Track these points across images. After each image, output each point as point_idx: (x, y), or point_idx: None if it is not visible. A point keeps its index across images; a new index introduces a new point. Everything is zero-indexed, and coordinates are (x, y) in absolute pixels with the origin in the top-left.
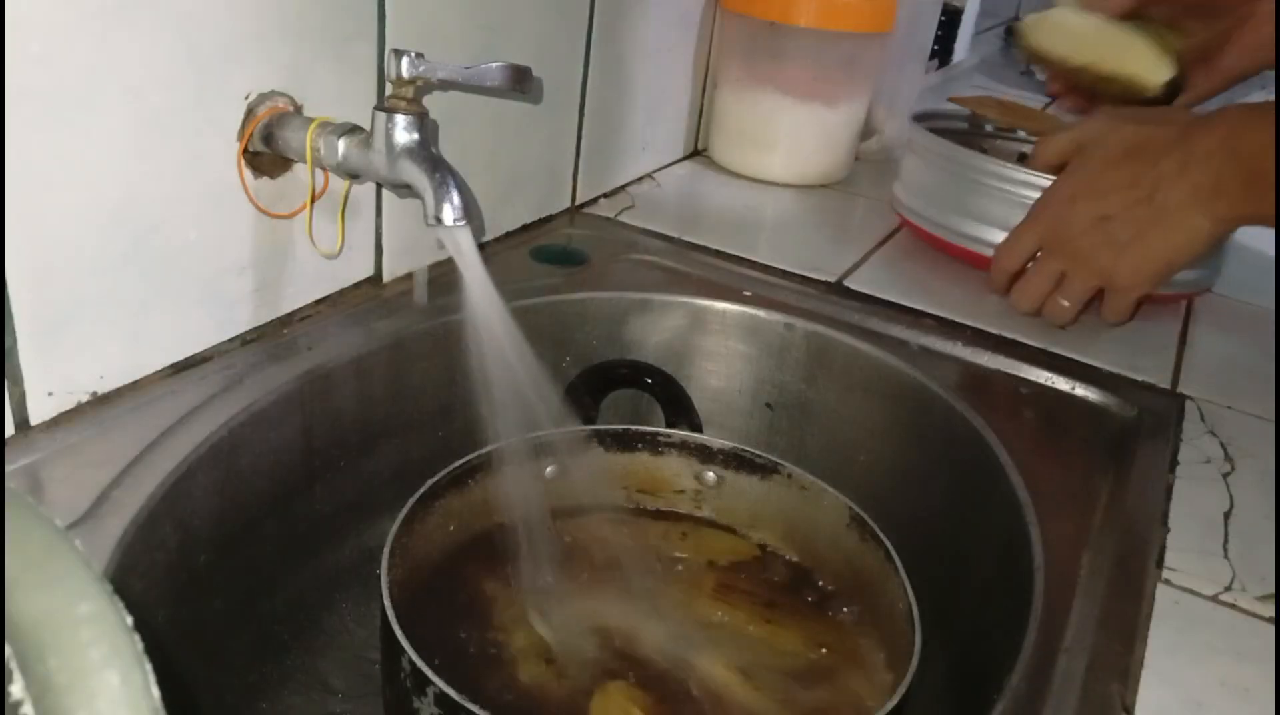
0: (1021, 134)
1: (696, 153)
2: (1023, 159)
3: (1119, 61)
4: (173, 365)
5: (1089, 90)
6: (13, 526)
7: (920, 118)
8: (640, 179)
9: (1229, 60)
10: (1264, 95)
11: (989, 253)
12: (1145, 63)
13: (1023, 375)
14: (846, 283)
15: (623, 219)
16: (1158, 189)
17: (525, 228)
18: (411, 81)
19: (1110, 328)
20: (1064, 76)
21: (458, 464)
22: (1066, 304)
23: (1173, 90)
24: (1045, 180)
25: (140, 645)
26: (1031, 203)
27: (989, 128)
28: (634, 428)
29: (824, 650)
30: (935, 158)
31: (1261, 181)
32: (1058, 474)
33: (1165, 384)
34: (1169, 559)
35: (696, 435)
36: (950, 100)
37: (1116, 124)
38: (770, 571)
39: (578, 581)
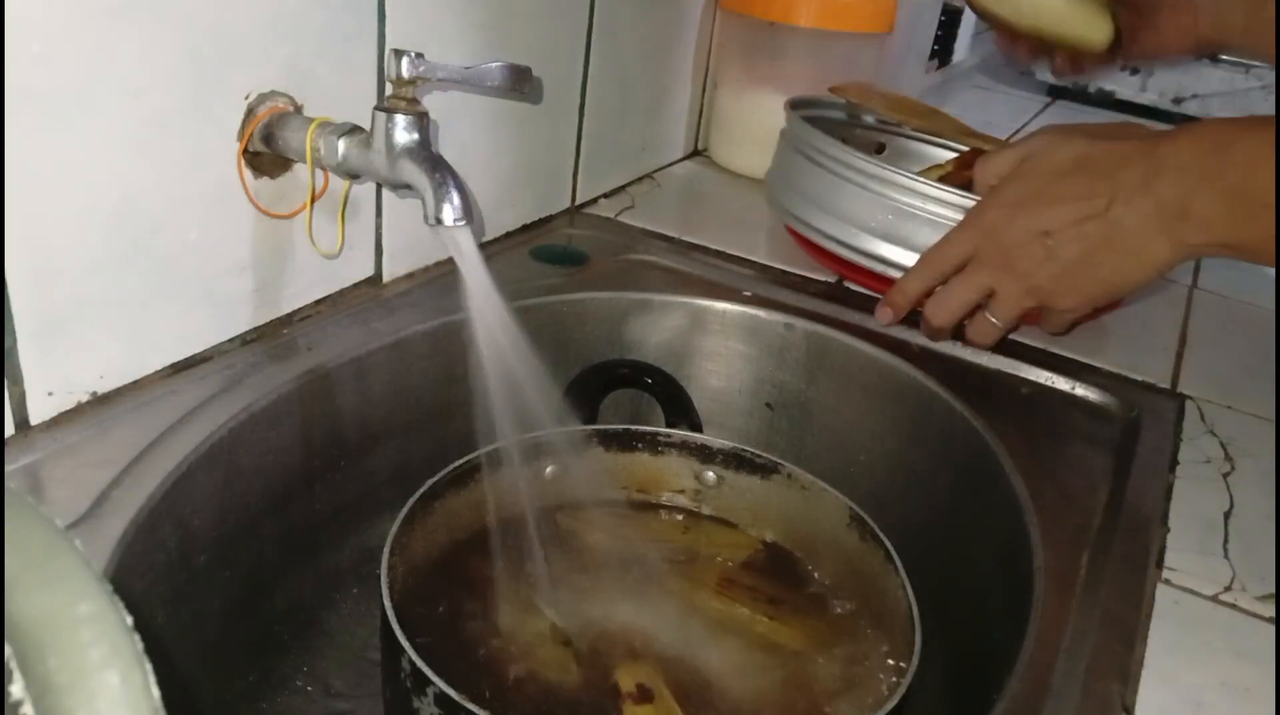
0: (891, 125)
1: (696, 153)
2: (880, 150)
3: (1060, 25)
4: (173, 365)
5: (1040, 45)
6: (13, 526)
7: (796, 105)
8: (640, 179)
9: (1158, 38)
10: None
11: (849, 256)
12: (1085, 25)
13: (1023, 375)
14: (846, 283)
15: (623, 219)
16: (1114, 204)
17: (525, 228)
18: (411, 81)
19: (1109, 328)
20: (1013, 34)
21: (458, 464)
22: (996, 322)
23: (1114, 48)
24: (941, 191)
25: (140, 645)
26: (913, 212)
27: (869, 119)
28: (634, 428)
29: (826, 649)
30: (817, 155)
31: (1251, 203)
32: (1058, 474)
33: (1165, 384)
34: (1169, 559)
35: (696, 435)
36: (830, 90)
37: (1068, 135)
38: (772, 568)
39: (578, 580)
